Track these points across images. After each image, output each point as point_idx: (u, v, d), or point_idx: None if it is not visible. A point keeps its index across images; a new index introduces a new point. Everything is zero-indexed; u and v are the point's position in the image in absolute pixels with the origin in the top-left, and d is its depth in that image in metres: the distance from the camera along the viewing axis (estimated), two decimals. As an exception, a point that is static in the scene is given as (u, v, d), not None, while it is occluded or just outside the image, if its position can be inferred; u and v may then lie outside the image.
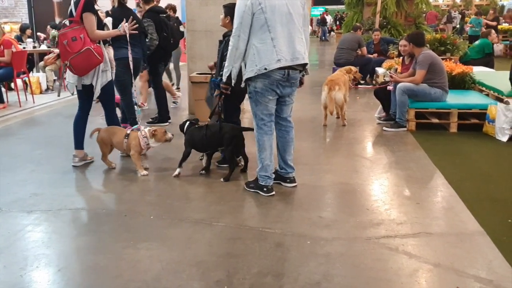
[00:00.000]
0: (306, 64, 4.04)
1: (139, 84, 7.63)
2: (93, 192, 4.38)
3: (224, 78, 4.12)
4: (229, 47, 3.98)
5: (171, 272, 2.91)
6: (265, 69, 3.84)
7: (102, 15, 5.57)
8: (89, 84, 4.84)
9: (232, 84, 4.12)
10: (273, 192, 4.16)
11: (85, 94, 4.98)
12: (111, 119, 5.25)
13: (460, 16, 21.18)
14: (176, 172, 4.68)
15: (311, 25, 32.24)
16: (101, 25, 4.91)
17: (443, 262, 2.99)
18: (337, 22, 30.01)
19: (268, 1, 3.85)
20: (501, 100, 6.42)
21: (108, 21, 5.49)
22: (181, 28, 9.76)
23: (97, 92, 4.89)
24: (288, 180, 4.36)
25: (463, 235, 3.39)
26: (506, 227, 3.50)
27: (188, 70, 7.65)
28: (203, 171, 4.78)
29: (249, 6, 3.83)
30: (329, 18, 31.04)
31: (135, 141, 4.74)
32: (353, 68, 7.32)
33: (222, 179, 4.51)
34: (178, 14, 10.79)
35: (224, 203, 4.02)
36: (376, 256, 3.08)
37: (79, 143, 5.09)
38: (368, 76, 10.43)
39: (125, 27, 5.00)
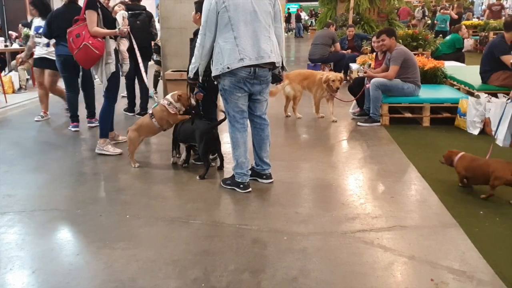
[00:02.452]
0: (274, 62, 3.99)
1: (39, 92, 7.27)
2: (68, 192, 4.31)
3: (191, 74, 4.14)
4: (196, 44, 3.98)
5: (147, 271, 2.89)
6: (228, 68, 3.84)
7: (119, 8, 5.61)
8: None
9: (200, 80, 4.19)
10: (250, 189, 4.17)
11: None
12: (105, 110, 5.35)
13: (423, 12, 21.45)
14: (172, 161, 4.93)
15: (291, 22, 32.25)
16: (108, 21, 5.07)
17: (417, 255, 3.05)
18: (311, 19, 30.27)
19: (232, 0, 3.83)
20: (471, 94, 6.55)
21: (120, 15, 5.45)
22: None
23: (104, 84, 5.14)
24: (264, 177, 4.37)
25: (436, 228, 3.45)
26: (478, 218, 3.58)
27: (163, 68, 7.60)
28: (186, 164, 4.85)
29: (214, 4, 3.83)
30: (303, 15, 31.15)
31: (162, 113, 4.82)
32: (332, 77, 6.71)
33: (198, 177, 4.50)
34: (152, 11, 10.66)
35: (201, 200, 4.02)
36: (352, 250, 3.12)
37: (102, 134, 5.38)
38: (342, 71, 10.50)
39: (123, 29, 5.10)
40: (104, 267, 2.96)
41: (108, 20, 5.10)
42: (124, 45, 5.26)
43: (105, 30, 4.99)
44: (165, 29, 7.42)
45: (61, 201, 4.10)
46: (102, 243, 3.28)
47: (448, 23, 16.62)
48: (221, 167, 4.76)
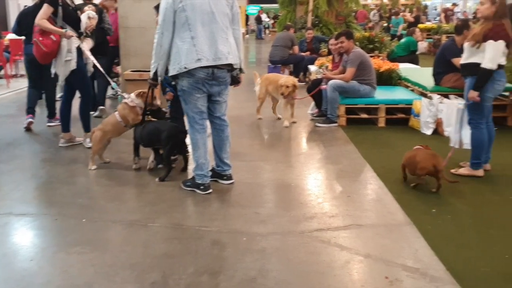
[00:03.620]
0: (231, 64, 4.00)
1: None
2: (23, 195, 4.19)
3: (151, 74, 4.11)
4: (154, 44, 3.97)
5: (104, 276, 2.85)
6: (185, 68, 3.84)
7: (88, 8, 5.74)
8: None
9: (159, 81, 4.16)
10: (210, 190, 4.16)
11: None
12: (81, 107, 5.44)
13: (380, 15, 21.99)
14: (134, 167, 4.78)
15: (249, 24, 32.26)
16: (70, 20, 5.08)
17: (373, 253, 3.12)
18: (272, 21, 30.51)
19: (189, 0, 3.84)
20: (425, 95, 6.75)
21: (84, 15, 5.38)
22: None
23: (60, 80, 5.19)
24: (225, 178, 4.38)
25: (391, 226, 3.55)
26: (431, 216, 3.70)
27: (121, 68, 7.50)
28: (160, 165, 4.76)
29: (171, 3, 3.83)
30: (264, 16, 31.28)
31: (124, 110, 4.77)
32: (283, 82, 6.52)
33: (157, 179, 4.47)
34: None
35: (160, 203, 3.99)
36: (310, 250, 3.17)
37: (65, 127, 5.50)
38: (301, 73, 10.63)
39: (68, 33, 5.03)
40: (59, 272, 2.90)
41: (70, 18, 5.07)
42: (88, 44, 5.22)
43: (50, 26, 4.95)
44: (123, 28, 7.32)
45: (15, 205, 3.98)
46: (57, 248, 3.22)
47: (400, 26, 17.14)
48: (184, 169, 4.73)
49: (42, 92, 6.83)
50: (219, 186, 4.33)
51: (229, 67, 4.02)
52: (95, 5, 7.17)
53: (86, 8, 5.75)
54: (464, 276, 2.83)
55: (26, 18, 5.88)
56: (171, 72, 3.96)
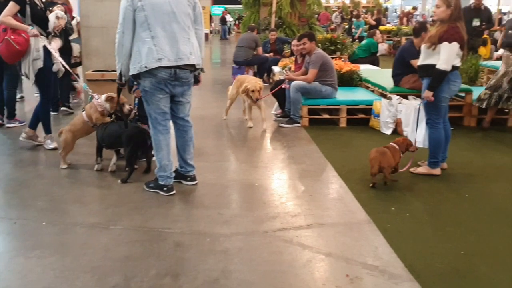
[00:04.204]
0: (194, 64, 3.99)
1: None
2: (-23, 200, 4.09)
3: (117, 75, 4.07)
4: (116, 44, 3.94)
5: (64, 280, 2.81)
6: (146, 67, 3.81)
7: (57, 8, 5.82)
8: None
9: (123, 81, 4.10)
10: (174, 191, 4.15)
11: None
12: (40, 108, 5.39)
13: (342, 17, 22.37)
14: (95, 168, 4.72)
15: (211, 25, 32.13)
16: (37, 19, 5.05)
17: (334, 251, 3.19)
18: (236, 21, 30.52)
19: (148, 0, 3.82)
20: (384, 96, 6.91)
21: (52, 15, 5.33)
22: None
23: (31, 79, 5.14)
24: (188, 178, 4.37)
25: (352, 224, 3.63)
26: (390, 215, 3.80)
27: (83, 67, 7.36)
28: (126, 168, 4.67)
29: (130, 2, 3.81)
30: (229, 17, 31.26)
31: (90, 109, 4.71)
32: (251, 87, 6.41)
33: (119, 181, 4.42)
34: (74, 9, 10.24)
35: (122, 205, 3.95)
36: (272, 249, 3.21)
37: (32, 124, 5.46)
38: (265, 74, 10.69)
39: (31, 31, 4.97)
40: (18, 277, 2.84)
41: (38, 18, 5.06)
42: (56, 43, 5.21)
43: (15, 22, 4.93)
44: (85, 28, 7.18)
45: (-30, 209, 3.88)
46: (16, 252, 3.15)
47: (360, 29, 17.54)
48: (147, 170, 4.68)
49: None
50: (182, 187, 4.32)
51: (192, 67, 4.01)
52: (64, 4, 7.05)
53: (55, 8, 5.69)
54: (422, 272, 2.92)
55: None
56: (132, 71, 3.92)
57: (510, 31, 6.75)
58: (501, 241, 3.40)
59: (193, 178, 4.39)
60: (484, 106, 6.51)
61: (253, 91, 6.36)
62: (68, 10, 7.37)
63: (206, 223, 3.62)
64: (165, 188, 4.13)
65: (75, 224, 3.58)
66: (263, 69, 10.67)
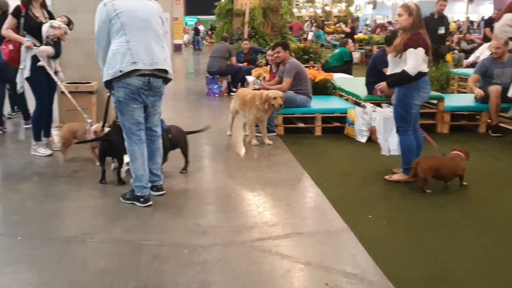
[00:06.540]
0: (166, 70, 4.02)
1: None
2: None
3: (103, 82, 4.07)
4: (95, 52, 4.00)
5: (42, 295, 2.77)
6: (120, 71, 3.81)
7: (62, 20, 5.94)
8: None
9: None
10: (150, 202, 4.11)
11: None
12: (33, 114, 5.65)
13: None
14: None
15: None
16: (29, 29, 5.27)
17: (313, 260, 3.20)
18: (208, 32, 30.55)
19: (123, 7, 3.87)
20: (358, 104, 7.00)
21: (45, 25, 5.35)
22: None
23: (18, 87, 5.43)
24: (154, 189, 4.33)
25: (330, 233, 3.66)
26: (367, 222, 3.84)
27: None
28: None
29: (105, 15, 3.87)
30: (202, 28, 31.26)
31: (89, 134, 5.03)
32: (272, 94, 6.13)
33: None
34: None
35: (99, 217, 3.91)
36: (251, 259, 3.21)
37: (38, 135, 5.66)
38: (239, 84, 10.72)
39: (26, 42, 5.21)
40: (-7, 295, 2.78)
41: (30, 27, 5.28)
42: (46, 50, 5.30)
43: (13, 35, 5.27)
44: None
45: None
46: (-11, 268, 3.08)
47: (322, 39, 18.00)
48: (120, 181, 4.64)
49: None
50: (159, 198, 4.29)
51: (165, 74, 4.03)
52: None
53: (58, 18, 5.81)
54: (401, 279, 2.96)
55: None
56: (105, 77, 3.92)
57: None
58: (477, 245, 3.47)
59: (159, 188, 4.36)
60: None
61: (275, 98, 6.05)
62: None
63: (183, 234, 3.60)
64: (141, 199, 4.10)
65: (51, 238, 3.52)
66: (237, 79, 10.69)
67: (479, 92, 6.84)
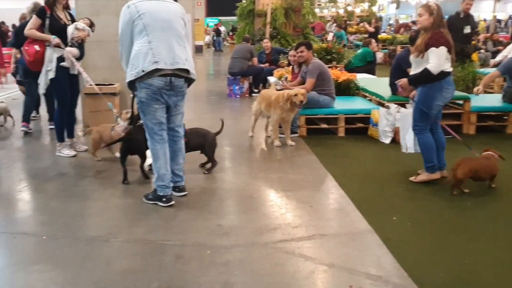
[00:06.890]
0: (188, 70, 4.03)
1: None
2: (-24, 214, 4.06)
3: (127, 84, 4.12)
4: (119, 55, 4.06)
5: (66, 294, 2.79)
6: (143, 71, 3.84)
7: (85, 22, 6.02)
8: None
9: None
10: (173, 202, 4.13)
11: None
12: (55, 115, 5.69)
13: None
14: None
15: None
16: (55, 30, 5.29)
17: (337, 262, 3.17)
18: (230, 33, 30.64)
19: (146, 8, 3.91)
20: (382, 105, 6.92)
21: (71, 27, 5.47)
22: None
23: (40, 89, 5.47)
24: (177, 189, 4.34)
25: (353, 235, 3.61)
26: (392, 224, 3.78)
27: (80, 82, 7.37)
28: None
29: (128, 16, 3.92)
30: (223, 29, 31.37)
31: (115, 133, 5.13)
32: (292, 92, 6.05)
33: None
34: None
35: (122, 217, 3.94)
36: (274, 261, 3.19)
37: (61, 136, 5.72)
38: (261, 85, 10.71)
39: (54, 40, 5.25)
40: (19, 293, 2.82)
41: (55, 29, 5.31)
42: (71, 52, 5.37)
43: (38, 34, 5.27)
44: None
45: (-31, 224, 3.85)
46: (16, 267, 3.13)
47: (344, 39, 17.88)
48: (144, 177, 4.72)
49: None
50: (181, 198, 4.30)
51: (187, 73, 4.04)
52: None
53: (80, 21, 5.93)
54: (425, 282, 2.91)
55: (23, 31, 5.85)
56: (128, 78, 3.96)
57: None
58: (504, 248, 3.39)
59: (181, 189, 4.37)
60: None
61: (296, 94, 5.96)
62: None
63: (206, 234, 3.60)
64: (164, 199, 4.12)
65: (76, 238, 3.55)
66: (258, 80, 10.68)
67: (478, 89, 6.53)
